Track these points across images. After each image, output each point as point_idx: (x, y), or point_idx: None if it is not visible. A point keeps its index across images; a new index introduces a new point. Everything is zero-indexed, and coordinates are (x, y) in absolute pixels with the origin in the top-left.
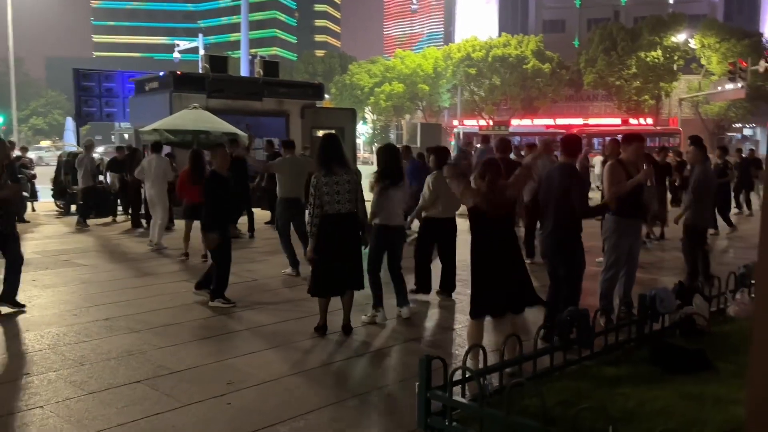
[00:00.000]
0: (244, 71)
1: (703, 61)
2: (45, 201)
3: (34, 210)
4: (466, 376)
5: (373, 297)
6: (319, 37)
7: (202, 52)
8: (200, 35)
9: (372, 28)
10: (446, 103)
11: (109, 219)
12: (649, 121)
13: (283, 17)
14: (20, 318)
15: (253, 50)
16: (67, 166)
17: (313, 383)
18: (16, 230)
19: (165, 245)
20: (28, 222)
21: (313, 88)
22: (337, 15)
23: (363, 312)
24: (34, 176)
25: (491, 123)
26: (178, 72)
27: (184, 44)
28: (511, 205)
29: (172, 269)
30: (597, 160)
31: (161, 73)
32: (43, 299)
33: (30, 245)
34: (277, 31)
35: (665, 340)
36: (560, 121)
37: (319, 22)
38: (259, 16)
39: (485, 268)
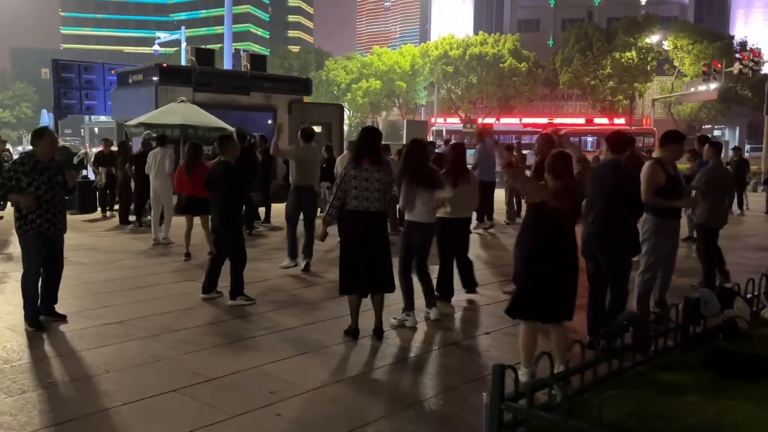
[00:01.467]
0: (227, 65)
1: (675, 63)
2: None
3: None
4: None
5: (404, 299)
6: (292, 33)
7: (184, 44)
8: (182, 28)
9: (345, 25)
10: (423, 101)
11: (98, 215)
12: (622, 120)
13: (256, 12)
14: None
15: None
16: None
17: (359, 392)
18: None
19: (172, 240)
20: (2, 218)
21: (301, 83)
22: (311, 11)
23: (389, 314)
24: None
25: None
26: (164, 64)
27: (164, 36)
28: (578, 203)
29: (174, 267)
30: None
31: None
32: None
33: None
34: (251, 26)
35: (719, 345)
36: (528, 120)
37: (292, 18)
38: (234, 10)
39: (544, 271)
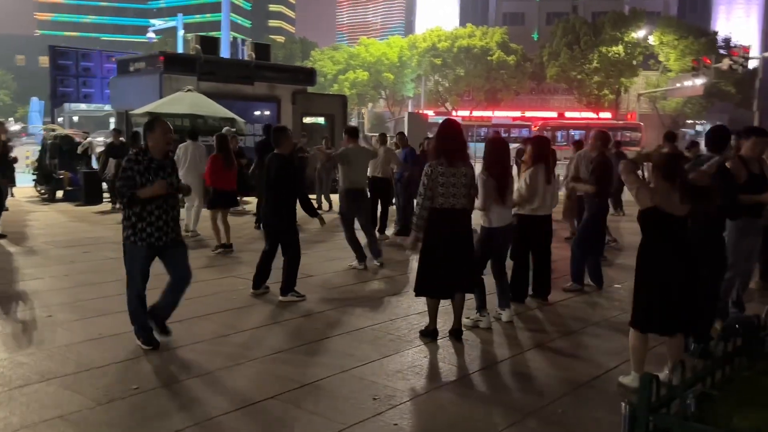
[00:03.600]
0: (224, 54)
1: (661, 58)
2: (22, 186)
3: (13, 195)
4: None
5: (477, 299)
6: (273, 23)
7: (181, 32)
8: (180, 15)
9: (326, 15)
10: (410, 93)
11: (105, 206)
12: (608, 115)
13: (237, 1)
14: (106, 322)
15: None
16: (53, 150)
17: (468, 399)
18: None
19: (199, 233)
20: (8, 210)
21: (305, 73)
22: (292, 0)
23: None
24: (15, 159)
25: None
26: (169, 52)
27: (159, 23)
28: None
29: (208, 261)
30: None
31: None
32: (101, 299)
33: (37, 235)
34: (232, 15)
35: None
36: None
37: (273, 7)
38: None
39: (664, 279)
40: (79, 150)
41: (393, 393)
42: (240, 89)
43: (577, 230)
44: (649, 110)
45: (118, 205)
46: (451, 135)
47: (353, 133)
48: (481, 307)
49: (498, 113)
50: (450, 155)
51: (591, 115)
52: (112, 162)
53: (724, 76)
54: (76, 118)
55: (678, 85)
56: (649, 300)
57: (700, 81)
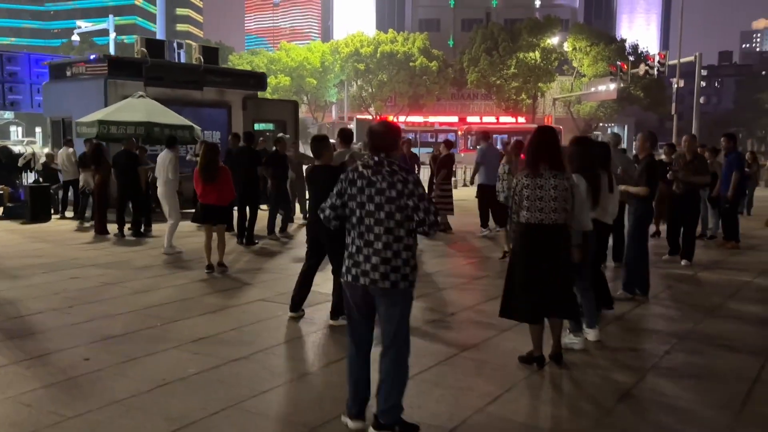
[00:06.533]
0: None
1: (575, 64)
2: None
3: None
4: None
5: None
6: (181, 27)
7: (113, 35)
8: (111, 16)
9: (234, 19)
10: (333, 98)
11: (60, 223)
12: (522, 119)
13: (143, 4)
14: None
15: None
16: None
17: None
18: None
19: (180, 249)
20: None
21: (255, 78)
22: (200, 4)
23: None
24: None
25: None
26: (113, 55)
27: (86, 26)
28: None
29: (222, 285)
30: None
31: (91, 57)
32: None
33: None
34: (138, 18)
35: None
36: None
37: (180, 11)
38: (119, 1)
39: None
40: (20, 162)
41: None
42: (189, 95)
43: (627, 237)
44: (563, 114)
45: (87, 224)
46: (542, 143)
47: (345, 136)
48: (575, 328)
49: (442, 118)
50: (537, 165)
51: (522, 120)
52: (88, 174)
53: (633, 81)
54: None
55: (593, 89)
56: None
57: (613, 86)
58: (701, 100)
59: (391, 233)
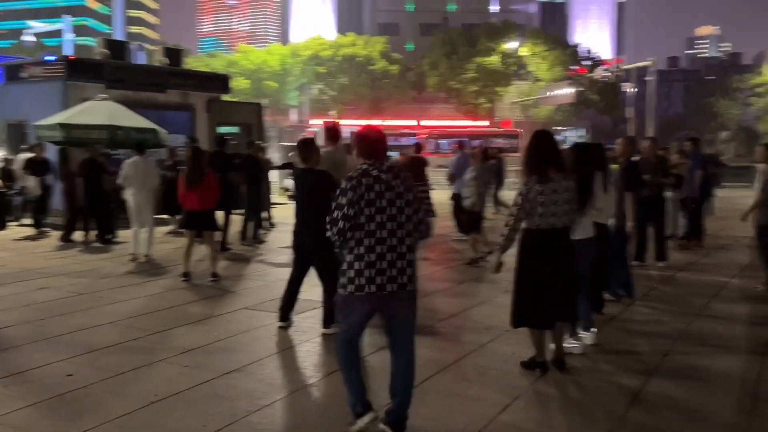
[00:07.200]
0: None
1: (531, 68)
2: None
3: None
4: None
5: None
6: (134, 29)
7: (70, 35)
8: (68, 17)
9: (189, 22)
10: (294, 101)
11: (18, 231)
12: (485, 123)
13: (95, 6)
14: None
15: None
16: None
17: None
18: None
19: (154, 257)
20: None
21: (219, 80)
22: (154, 6)
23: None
24: None
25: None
26: (72, 56)
27: (40, 26)
28: None
29: (200, 293)
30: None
31: (49, 58)
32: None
33: None
34: (90, 19)
35: None
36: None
37: (134, 13)
38: (70, 2)
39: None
40: None
41: None
42: (152, 97)
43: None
44: (521, 118)
45: (47, 231)
46: (545, 146)
47: (336, 135)
48: (573, 332)
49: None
50: (546, 169)
51: (482, 123)
52: (36, 180)
53: (589, 85)
54: None
55: (550, 93)
56: None
57: (571, 90)
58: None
59: (411, 236)
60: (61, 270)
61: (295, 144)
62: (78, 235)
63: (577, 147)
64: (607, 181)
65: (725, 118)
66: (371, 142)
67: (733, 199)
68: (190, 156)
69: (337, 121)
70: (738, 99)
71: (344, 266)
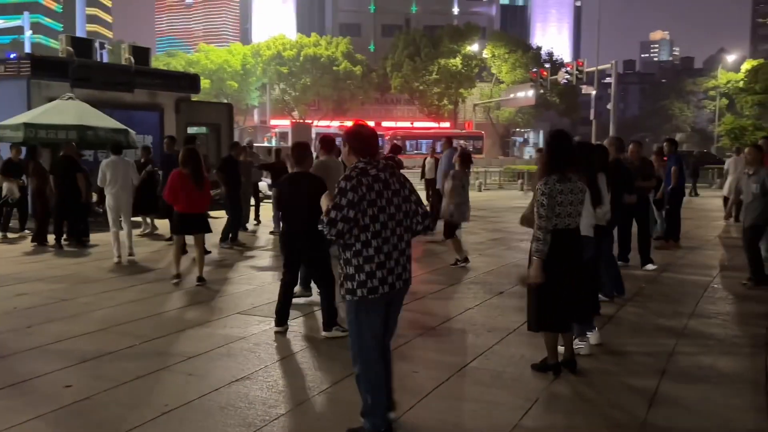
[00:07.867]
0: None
1: (494, 70)
2: None
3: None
4: None
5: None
6: (90, 27)
7: (29, 32)
8: (26, 13)
9: (146, 20)
10: (255, 102)
11: None
12: (447, 124)
13: (47, 2)
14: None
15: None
16: None
17: None
18: None
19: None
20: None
21: (188, 79)
22: (108, 3)
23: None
24: None
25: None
26: (37, 54)
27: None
28: None
29: (189, 298)
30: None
31: (11, 55)
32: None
33: None
34: (42, 17)
35: None
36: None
37: (89, 10)
38: None
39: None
40: None
41: None
42: (119, 97)
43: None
44: (483, 119)
45: (9, 235)
46: (563, 145)
47: (327, 143)
48: (579, 333)
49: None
50: (565, 169)
51: (445, 125)
52: (13, 183)
53: (549, 88)
54: None
55: (512, 95)
56: None
57: (532, 92)
58: (608, 106)
59: (410, 231)
60: (38, 275)
61: (290, 147)
62: (50, 238)
63: (580, 148)
64: (608, 182)
65: (679, 120)
66: (366, 139)
67: (693, 201)
68: (190, 157)
69: (330, 134)
70: (691, 102)
71: (349, 270)
